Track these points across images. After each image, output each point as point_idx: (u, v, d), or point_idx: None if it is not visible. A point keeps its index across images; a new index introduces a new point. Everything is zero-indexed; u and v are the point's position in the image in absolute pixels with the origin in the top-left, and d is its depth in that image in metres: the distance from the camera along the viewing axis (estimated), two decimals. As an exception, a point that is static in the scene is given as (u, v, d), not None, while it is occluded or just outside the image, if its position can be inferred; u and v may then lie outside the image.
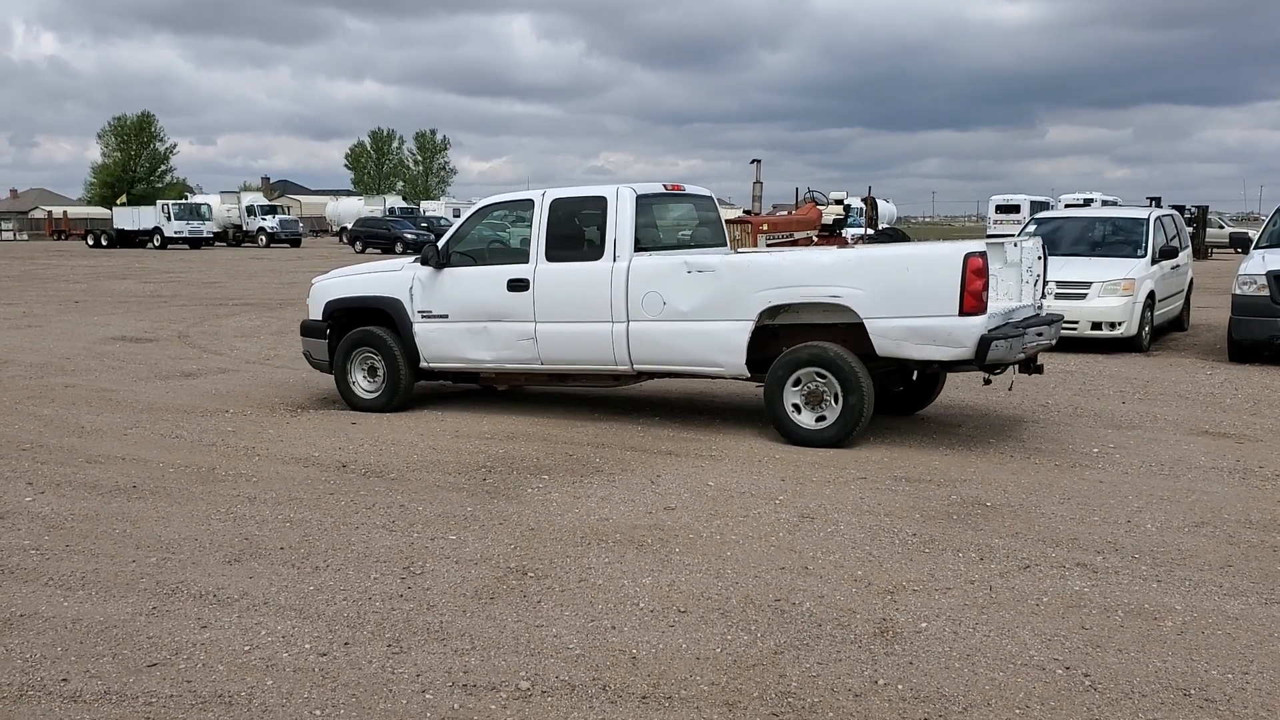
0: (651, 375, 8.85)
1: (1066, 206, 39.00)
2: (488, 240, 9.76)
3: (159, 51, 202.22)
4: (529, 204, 9.01)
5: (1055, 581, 5.07)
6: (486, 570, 5.29)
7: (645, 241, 8.66)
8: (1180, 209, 27.46)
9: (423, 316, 9.28)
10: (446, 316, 9.17)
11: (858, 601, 4.85)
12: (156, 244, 54.75)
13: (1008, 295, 8.24)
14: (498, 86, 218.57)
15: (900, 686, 3.99)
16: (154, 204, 59.45)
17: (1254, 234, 15.24)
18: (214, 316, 18.71)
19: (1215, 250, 37.65)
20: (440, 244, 9.32)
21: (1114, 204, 39.12)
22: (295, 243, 57.40)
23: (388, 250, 47.60)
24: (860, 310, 7.62)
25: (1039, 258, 8.43)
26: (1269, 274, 11.91)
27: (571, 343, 8.71)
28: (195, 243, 54.80)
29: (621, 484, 6.92)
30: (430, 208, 68.85)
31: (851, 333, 7.79)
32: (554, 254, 8.75)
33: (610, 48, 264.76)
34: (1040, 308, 8.55)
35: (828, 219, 17.88)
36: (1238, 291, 12.28)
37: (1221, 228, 42.84)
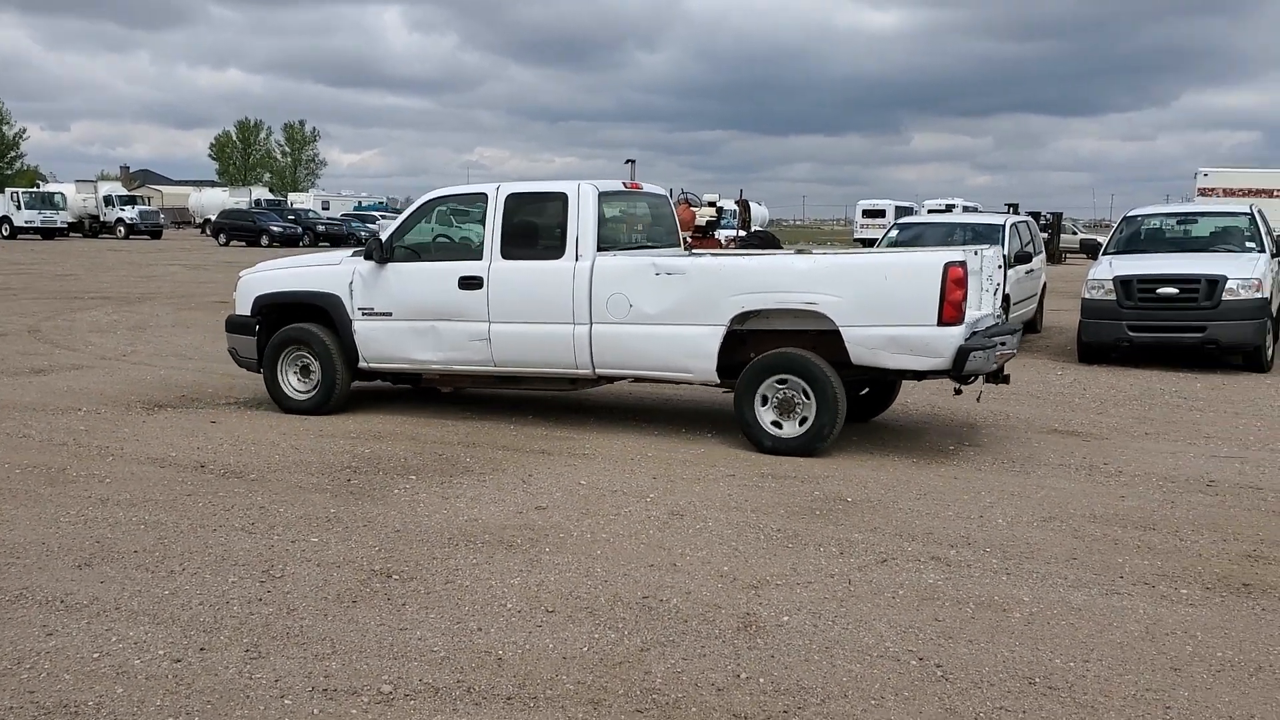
0: (613, 379, 8.64)
1: (930, 212, 40.28)
2: (436, 235, 9.37)
3: (4, 31, 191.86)
4: (481, 198, 8.66)
5: (911, 575, 5.24)
6: (349, 573, 5.19)
7: (604, 240, 8.37)
8: (1036, 215, 28.61)
9: (363, 314, 8.86)
10: (390, 314, 8.76)
11: (723, 597, 4.92)
12: (5, 234, 52.03)
13: (971, 304, 7.98)
14: (368, 78, 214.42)
15: (762, 680, 4.07)
16: (2, 192, 56.50)
17: (1103, 240, 16.01)
18: (68, 310, 17.91)
19: (1068, 255, 39.35)
20: (383, 238, 8.87)
21: (974, 210, 40.60)
22: (156, 234, 55.26)
23: (253, 243, 46.34)
24: (837, 318, 7.47)
25: (999, 266, 8.36)
26: (1116, 279, 12.52)
27: (528, 344, 8.40)
28: (48, 233, 52.25)
29: (492, 484, 6.88)
30: (298, 200, 67.22)
31: (822, 339, 7.66)
32: (510, 251, 8.42)
33: (484, 42, 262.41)
34: (1000, 317, 8.49)
35: (701, 220, 18.08)
36: (1087, 296, 12.88)
37: (1074, 234, 44.85)
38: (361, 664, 4.17)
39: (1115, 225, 15.67)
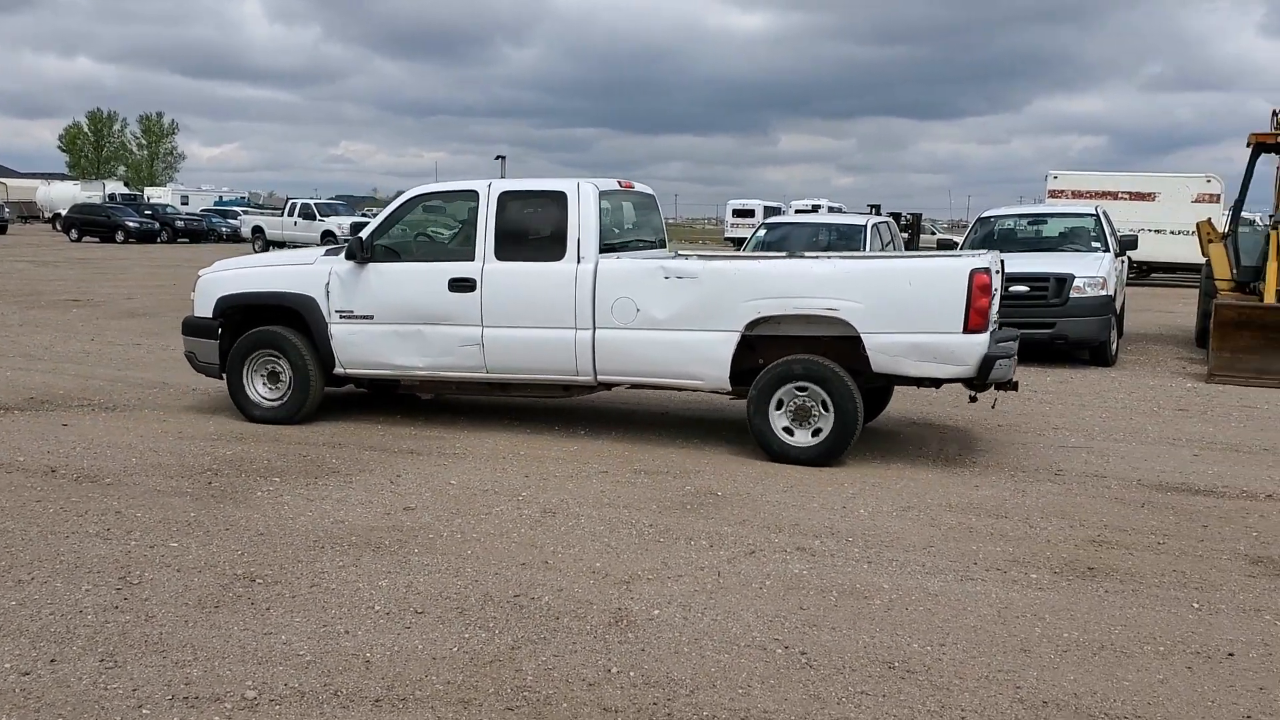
0: (614, 386, 8.28)
1: (797, 212, 41.12)
2: (420, 234, 8.94)
3: None
4: (472, 195, 8.25)
5: (777, 565, 5.37)
6: (211, 578, 5.05)
7: (602, 241, 8.04)
8: (897, 216, 29.53)
9: (341, 317, 8.37)
10: (371, 318, 8.30)
11: (595, 593, 4.96)
12: None
13: None
14: (228, 69, 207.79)
15: (632, 673, 4.11)
16: None
17: (960, 240, 16.61)
18: (-100, 309, 16.89)
19: (928, 255, 40.57)
20: (363, 236, 8.37)
21: (839, 210, 41.66)
22: (0, 229, 52.58)
23: (107, 239, 44.47)
24: (858, 324, 7.26)
25: (996, 271, 8.01)
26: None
27: (525, 350, 8.02)
28: (-122, 227, 49.21)
29: (359, 485, 6.77)
30: (156, 195, 64.81)
31: (834, 346, 7.47)
32: (505, 252, 8.04)
33: (349, 34, 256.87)
34: (998, 323, 8.22)
35: (572, 218, 18.10)
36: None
37: (933, 234, 46.39)
38: (224, 670, 4.07)
39: (970, 226, 16.27)
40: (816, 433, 7.45)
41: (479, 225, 8.15)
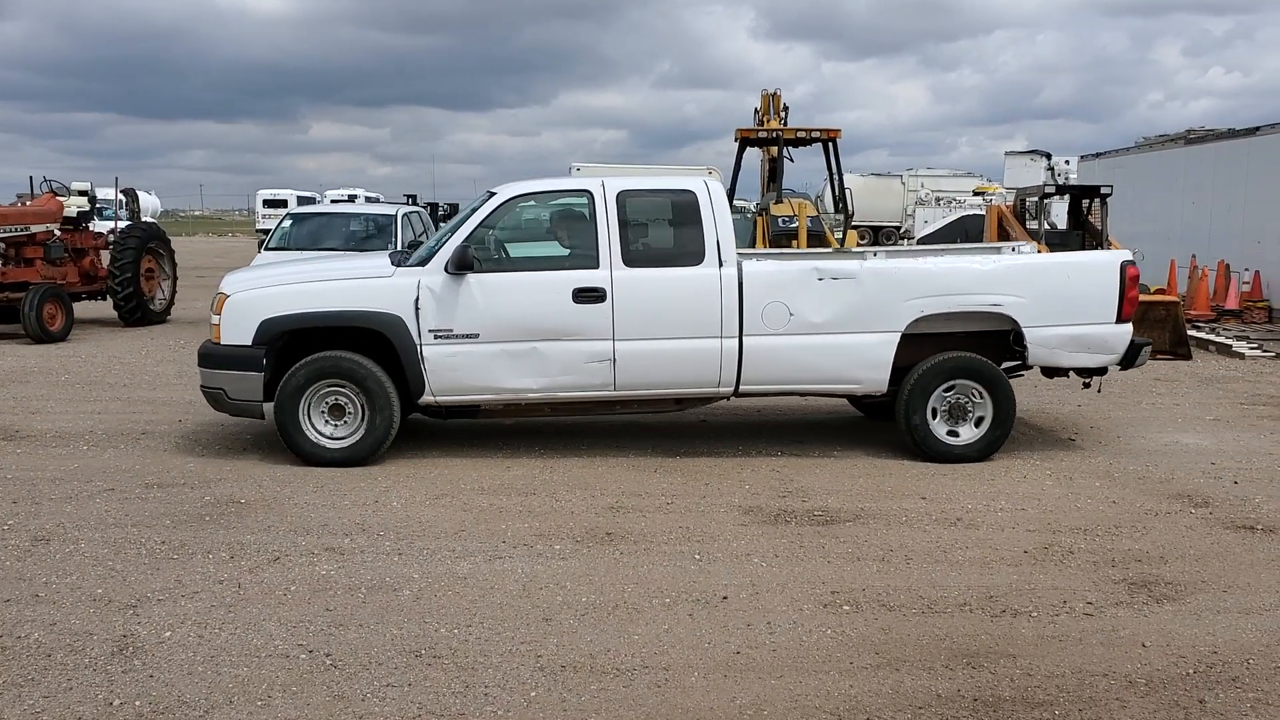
0: (750, 395, 7.66)
1: (333, 202, 40.15)
2: (524, 239, 7.75)
3: None
4: (584, 195, 7.43)
5: (304, 569, 5.19)
6: None
7: None
8: (434, 206, 29.69)
9: (436, 337, 7.18)
10: (476, 336, 7.19)
11: (95, 622, 4.51)
12: None
13: None
14: None
15: (139, 703, 3.79)
16: None
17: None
18: None
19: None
20: (459, 243, 7.18)
21: (377, 200, 41.26)
22: None
23: None
24: (1021, 319, 7.41)
25: None
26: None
27: (663, 363, 7.32)
28: None
29: None
30: None
31: (976, 340, 7.57)
32: (633, 258, 7.28)
33: None
34: None
35: (71, 211, 16.33)
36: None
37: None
38: None
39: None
40: (967, 428, 7.55)
41: (600, 229, 7.36)
